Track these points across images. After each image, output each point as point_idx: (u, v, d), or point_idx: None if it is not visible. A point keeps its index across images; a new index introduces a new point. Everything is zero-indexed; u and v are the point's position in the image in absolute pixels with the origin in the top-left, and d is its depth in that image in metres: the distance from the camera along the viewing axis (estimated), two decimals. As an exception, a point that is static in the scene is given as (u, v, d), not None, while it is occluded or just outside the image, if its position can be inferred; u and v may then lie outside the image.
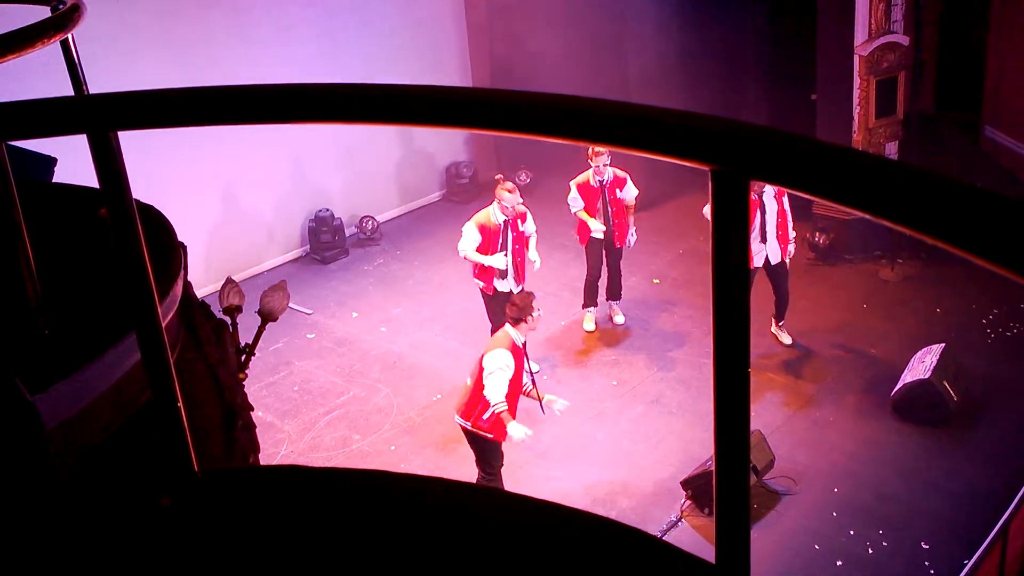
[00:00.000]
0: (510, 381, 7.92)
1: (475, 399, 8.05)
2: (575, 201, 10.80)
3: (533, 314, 8.18)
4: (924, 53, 12.21)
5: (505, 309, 8.48)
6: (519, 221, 10.05)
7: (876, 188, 1.16)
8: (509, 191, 9.89)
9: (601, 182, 10.69)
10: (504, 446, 8.24)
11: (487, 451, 8.24)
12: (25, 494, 2.24)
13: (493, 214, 9.95)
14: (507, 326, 8.26)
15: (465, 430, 8.23)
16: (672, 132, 1.33)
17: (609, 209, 10.80)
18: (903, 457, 8.92)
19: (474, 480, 8.22)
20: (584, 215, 10.74)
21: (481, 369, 7.99)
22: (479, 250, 9.93)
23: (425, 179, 15.33)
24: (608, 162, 10.55)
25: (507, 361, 7.94)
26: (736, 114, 11.56)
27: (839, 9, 11.75)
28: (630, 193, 10.85)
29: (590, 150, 10.52)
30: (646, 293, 11.97)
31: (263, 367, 10.51)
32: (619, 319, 11.42)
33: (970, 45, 13.59)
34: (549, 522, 2.01)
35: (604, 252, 11.09)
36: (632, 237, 11.06)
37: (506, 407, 7.82)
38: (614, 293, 11.42)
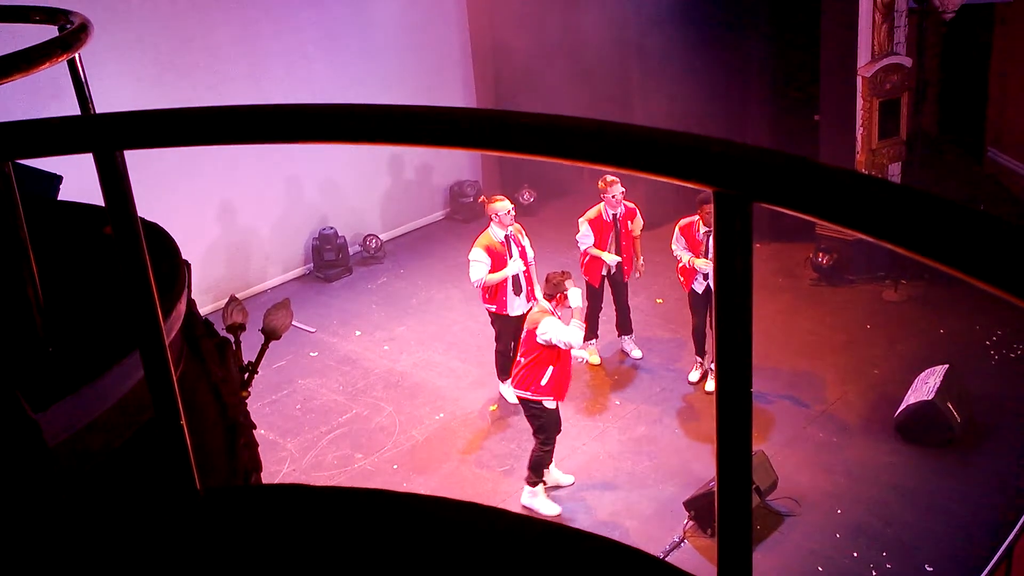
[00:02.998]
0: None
1: (532, 369, 8.72)
2: (585, 238, 10.54)
3: (566, 291, 8.74)
4: (927, 74, 12.23)
5: (544, 287, 9.02)
6: (520, 235, 10.03)
7: (878, 211, 1.16)
8: (494, 201, 9.96)
9: (615, 215, 10.49)
10: (559, 410, 9.05)
11: (545, 420, 8.88)
12: (28, 511, 2.24)
13: (493, 232, 9.89)
14: (543, 302, 8.89)
15: (525, 401, 8.90)
16: (676, 153, 1.34)
17: (620, 243, 10.59)
18: (906, 479, 8.90)
19: (527, 459, 9.04)
20: (596, 251, 10.50)
21: (534, 340, 8.68)
22: (491, 271, 9.84)
23: (429, 198, 15.36)
24: (622, 190, 10.34)
25: (552, 322, 8.66)
26: (740, 135, 11.60)
27: (842, 30, 11.78)
28: (639, 225, 10.70)
29: (601, 181, 10.43)
30: (649, 313, 11.96)
31: (266, 385, 10.51)
32: (636, 353, 11.24)
33: (973, 67, 13.61)
34: (552, 542, 2.01)
35: (610, 287, 10.98)
36: (640, 268, 10.85)
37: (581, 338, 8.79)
38: (625, 327, 11.24)
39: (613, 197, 10.37)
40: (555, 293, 8.78)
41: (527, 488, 8.97)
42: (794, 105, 13.08)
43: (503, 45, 14.40)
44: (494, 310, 10.14)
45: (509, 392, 10.37)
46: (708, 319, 10.18)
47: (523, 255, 10.01)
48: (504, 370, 10.36)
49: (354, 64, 13.64)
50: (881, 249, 11.10)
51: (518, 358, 8.99)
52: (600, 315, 11.08)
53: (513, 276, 9.93)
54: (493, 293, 9.99)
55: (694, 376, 10.63)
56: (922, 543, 8.09)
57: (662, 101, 13.00)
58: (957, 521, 8.30)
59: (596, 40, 13.38)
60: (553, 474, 9.18)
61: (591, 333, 11.00)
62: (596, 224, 10.53)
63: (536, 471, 8.94)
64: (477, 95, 15.29)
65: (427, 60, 14.63)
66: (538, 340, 8.67)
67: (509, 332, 10.04)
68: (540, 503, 8.88)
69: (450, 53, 15.06)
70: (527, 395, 8.85)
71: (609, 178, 10.29)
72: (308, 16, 13.18)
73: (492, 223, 9.92)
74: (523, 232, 10.14)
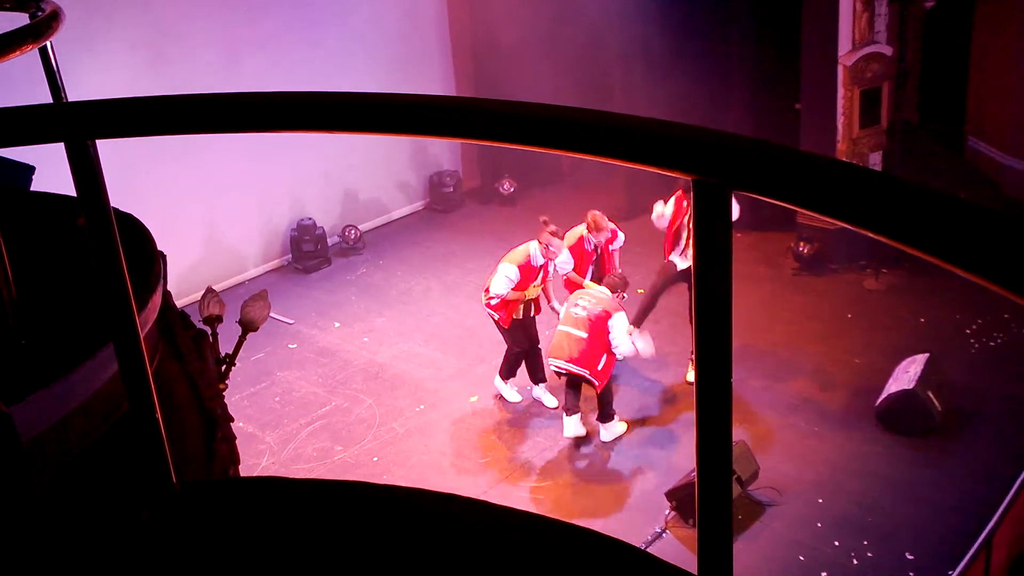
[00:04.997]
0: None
1: (593, 350, 9.25)
2: (565, 264, 10.23)
3: (625, 293, 9.73)
4: (908, 63, 12.25)
5: (607, 282, 9.75)
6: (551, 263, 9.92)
7: (858, 200, 1.15)
8: (559, 237, 9.74)
9: (596, 246, 10.33)
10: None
11: (604, 392, 9.48)
12: (1, 506, 2.21)
13: (534, 256, 9.71)
14: (608, 291, 9.57)
15: (582, 378, 9.35)
16: (656, 142, 1.33)
17: (602, 269, 10.41)
18: (887, 467, 8.92)
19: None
20: (576, 278, 10.28)
21: (607, 330, 9.23)
22: (514, 289, 9.71)
23: (408, 188, 15.31)
24: (609, 237, 10.28)
25: (623, 321, 9.34)
26: (720, 124, 11.60)
27: (823, 19, 11.78)
28: (620, 242, 10.54)
29: (592, 220, 10.16)
30: (630, 304, 11.93)
31: (244, 377, 10.45)
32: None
33: (953, 56, 13.65)
34: (534, 533, 2.00)
35: None
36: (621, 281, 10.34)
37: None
38: None
39: (594, 234, 10.22)
40: (616, 290, 9.53)
41: (602, 427, 9.57)
42: (775, 94, 13.07)
43: (483, 34, 14.38)
44: (497, 319, 9.95)
45: (510, 392, 10.29)
46: (690, 313, 10.12)
47: (544, 279, 9.93)
48: (511, 370, 10.26)
49: (332, 54, 13.57)
50: (862, 238, 11.11)
51: (573, 332, 9.31)
52: None
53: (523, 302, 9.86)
54: (503, 304, 9.82)
55: (691, 376, 10.56)
56: (903, 531, 8.12)
57: (643, 90, 12.98)
58: (937, 509, 8.33)
59: (577, 29, 13.36)
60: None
61: None
62: (577, 251, 10.31)
63: (609, 405, 9.56)
64: (456, 84, 15.26)
65: (406, 49, 14.57)
66: (608, 324, 9.23)
67: (520, 335, 10.02)
68: (618, 428, 9.63)
69: (429, 42, 15.01)
70: (584, 373, 9.26)
71: (602, 224, 10.16)
72: (286, 4, 13.11)
73: (539, 244, 9.73)
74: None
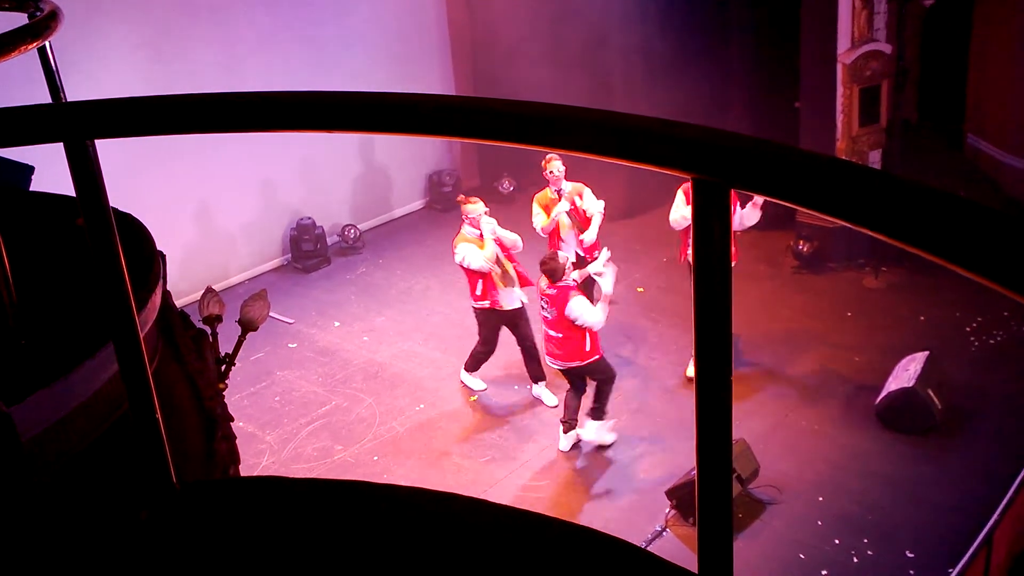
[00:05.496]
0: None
1: (570, 341, 9.17)
2: (537, 217, 10.32)
3: (566, 269, 9.14)
4: (907, 62, 12.24)
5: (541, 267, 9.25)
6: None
7: (858, 198, 1.15)
8: (468, 202, 9.82)
9: (559, 191, 10.28)
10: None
11: (604, 370, 9.42)
12: (1, 506, 2.21)
13: (470, 233, 9.76)
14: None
15: (579, 368, 9.32)
16: (656, 141, 1.33)
17: (577, 223, 10.37)
18: (888, 466, 8.92)
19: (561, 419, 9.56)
20: (546, 219, 10.26)
21: (567, 319, 9.03)
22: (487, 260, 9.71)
23: (408, 187, 15.30)
24: (561, 169, 10.18)
25: (581, 303, 9.09)
26: (720, 123, 11.56)
27: (822, 17, 11.77)
28: (591, 202, 10.39)
29: (543, 160, 10.31)
30: (630, 301, 11.94)
31: (244, 377, 10.45)
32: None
33: (952, 54, 13.65)
34: (533, 532, 2.00)
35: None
36: (603, 255, 9.81)
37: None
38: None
39: (551, 174, 10.23)
40: (561, 277, 9.06)
41: (588, 423, 9.44)
42: (774, 92, 13.06)
43: (483, 34, 14.36)
44: (487, 306, 9.91)
45: (475, 382, 10.36)
46: None
47: (508, 255, 9.84)
48: (476, 365, 10.34)
49: (332, 54, 13.57)
50: (861, 236, 11.13)
51: (551, 333, 9.24)
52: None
53: (501, 271, 9.75)
54: (485, 289, 9.79)
55: (691, 371, 10.49)
56: (903, 530, 8.12)
57: (643, 89, 12.98)
58: (938, 507, 8.33)
59: (577, 29, 13.35)
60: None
61: None
62: (544, 202, 10.36)
63: (604, 405, 9.45)
64: (456, 84, 15.24)
65: (406, 49, 14.56)
66: (566, 315, 9.04)
67: (497, 331, 10.04)
68: (604, 434, 9.48)
69: (429, 42, 14.99)
70: (580, 364, 9.26)
71: (548, 156, 10.21)
72: (286, 4, 13.10)
73: (465, 224, 9.81)
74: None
